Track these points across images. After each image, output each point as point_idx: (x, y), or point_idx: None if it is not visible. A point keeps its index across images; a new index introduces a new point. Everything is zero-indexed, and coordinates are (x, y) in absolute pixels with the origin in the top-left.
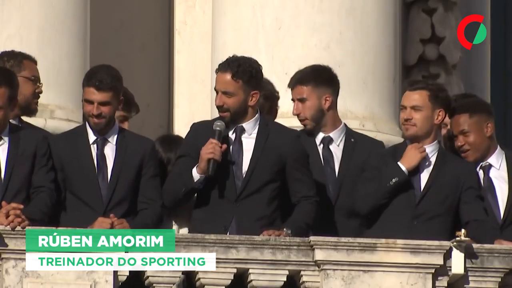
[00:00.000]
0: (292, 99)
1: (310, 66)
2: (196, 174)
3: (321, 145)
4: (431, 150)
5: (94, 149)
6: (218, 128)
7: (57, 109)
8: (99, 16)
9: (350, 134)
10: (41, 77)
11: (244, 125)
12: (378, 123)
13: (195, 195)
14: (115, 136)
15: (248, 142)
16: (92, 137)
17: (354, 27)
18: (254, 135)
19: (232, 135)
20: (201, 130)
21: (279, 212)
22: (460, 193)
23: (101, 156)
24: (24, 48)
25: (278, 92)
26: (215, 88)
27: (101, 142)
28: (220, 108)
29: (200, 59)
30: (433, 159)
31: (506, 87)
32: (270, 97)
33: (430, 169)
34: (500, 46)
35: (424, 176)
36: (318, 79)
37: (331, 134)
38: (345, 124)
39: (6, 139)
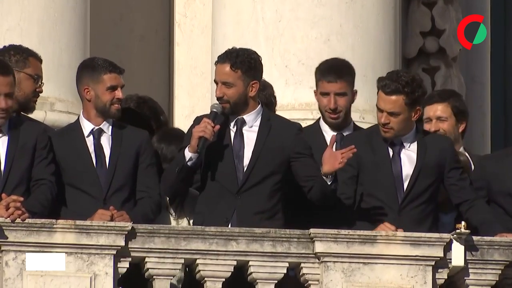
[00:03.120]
0: (326, 93)
1: (334, 59)
2: (187, 152)
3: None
4: (410, 140)
5: (90, 140)
6: (214, 110)
7: (57, 101)
8: (99, 8)
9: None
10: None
11: (245, 117)
12: None
13: (197, 188)
14: (110, 127)
15: (249, 135)
16: (87, 130)
17: (354, 20)
18: (255, 127)
19: (233, 128)
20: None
21: (281, 206)
22: (443, 176)
23: (98, 146)
24: (24, 40)
25: (275, 98)
26: (214, 80)
27: (97, 133)
28: (220, 99)
29: (200, 51)
30: (413, 147)
31: (506, 80)
32: (268, 104)
33: (412, 160)
34: (500, 39)
35: (406, 167)
36: (354, 76)
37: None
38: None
39: (6, 131)
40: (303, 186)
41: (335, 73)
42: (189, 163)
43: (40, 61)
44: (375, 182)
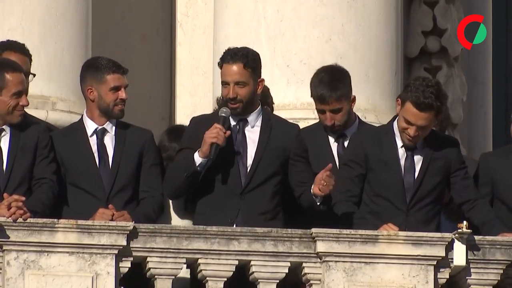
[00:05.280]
0: (322, 110)
1: (326, 71)
2: (198, 157)
3: (336, 144)
4: (420, 141)
5: (93, 140)
6: (223, 114)
7: (59, 101)
8: (101, 8)
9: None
10: (42, 69)
11: (248, 117)
12: (380, 115)
13: (198, 189)
14: (114, 127)
15: (252, 135)
16: (90, 129)
17: (356, 19)
18: (257, 127)
19: (235, 128)
20: (201, 123)
21: (281, 207)
22: (449, 176)
23: (101, 145)
24: (26, 40)
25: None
26: (224, 81)
27: (101, 132)
28: (233, 100)
29: (202, 51)
30: (420, 148)
31: (508, 80)
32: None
33: (420, 161)
34: (502, 38)
35: (416, 168)
36: (349, 84)
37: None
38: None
39: (8, 130)
40: (294, 190)
41: (326, 92)
42: (199, 168)
43: (25, 54)
44: (383, 182)
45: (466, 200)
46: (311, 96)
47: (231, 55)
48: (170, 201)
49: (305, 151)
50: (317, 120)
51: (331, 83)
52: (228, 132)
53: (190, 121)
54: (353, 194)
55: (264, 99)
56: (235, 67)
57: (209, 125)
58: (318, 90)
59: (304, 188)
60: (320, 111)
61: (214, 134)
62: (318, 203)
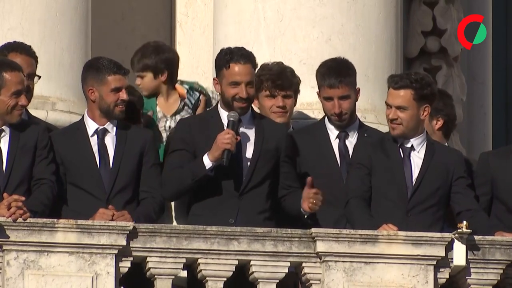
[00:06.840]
0: (329, 98)
1: (334, 60)
2: (208, 161)
3: (337, 140)
4: (419, 142)
5: (93, 140)
6: (232, 119)
7: (59, 101)
8: (101, 8)
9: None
10: (42, 69)
11: (242, 117)
12: (380, 115)
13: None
14: (114, 127)
15: (247, 135)
16: (91, 129)
17: (356, 19)
18: (250, 128)
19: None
20: (190, 125)
21: (273, 210)
22: (450, 183)
23: (102, 145)
24: (26, 40)
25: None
26: (235, 81)
27: (102, 132)
28: (244, 100)
29: (202, 51)
30: (422, 151)
31: (507, 80)
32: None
33: (420, 162)
34: (502, 38)
35: (415, 169)
36: (355, 74)
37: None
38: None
39: (7, 130)
40: (280, 190)
41: (336, 77)
42: (209, 172)
43: (31, 56)
44: (387, 183)
45: (466, 209)
46: (318, 85)
47: (240, 55)
48: (172, 202)
49: (292, 152)
50: (317, 120)
51: (340, 69)
52: (239, 138)
53: (177, 123)
54: (366, 189)
55: (296, 84)
56: (247, 68)
57: (198, 126)
58: (327, 76)
59: (286, 191)
60: (328, 99)
61: (227, 140)
62: (305, 216)
